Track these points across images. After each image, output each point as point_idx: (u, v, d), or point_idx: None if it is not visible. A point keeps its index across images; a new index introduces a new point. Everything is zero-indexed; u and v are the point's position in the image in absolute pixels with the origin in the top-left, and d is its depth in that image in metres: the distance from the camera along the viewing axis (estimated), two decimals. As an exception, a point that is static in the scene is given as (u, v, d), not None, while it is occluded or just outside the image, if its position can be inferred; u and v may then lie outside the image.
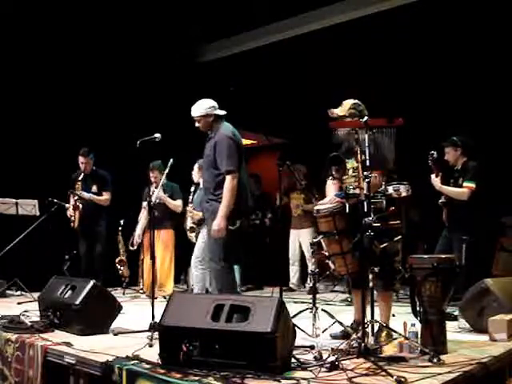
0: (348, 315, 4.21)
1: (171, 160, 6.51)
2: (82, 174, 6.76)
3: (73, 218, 6.65)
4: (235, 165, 4.28)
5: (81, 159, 6.79)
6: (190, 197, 6.37)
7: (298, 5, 7.78)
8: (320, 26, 7.92)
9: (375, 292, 3.36)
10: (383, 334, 3.54)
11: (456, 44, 6.78)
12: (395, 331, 3.45)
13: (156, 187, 6.48)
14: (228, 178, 4.24)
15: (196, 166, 6.13)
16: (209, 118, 4.42)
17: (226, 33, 8.70)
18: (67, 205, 6.66)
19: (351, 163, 3.75)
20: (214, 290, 4.40)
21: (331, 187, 3.96)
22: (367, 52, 7.39)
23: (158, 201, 5.90)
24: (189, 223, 6.31)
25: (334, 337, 3.78)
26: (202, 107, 4.43)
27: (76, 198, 6.62)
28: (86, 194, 6.69)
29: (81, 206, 6.63)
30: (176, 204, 6.62)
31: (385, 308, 3.75)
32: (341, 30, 7.65)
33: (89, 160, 6.79)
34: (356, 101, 3.90)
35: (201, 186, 5.88)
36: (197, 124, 4.51)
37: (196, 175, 6.18)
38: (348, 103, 3.88)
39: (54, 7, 7.11)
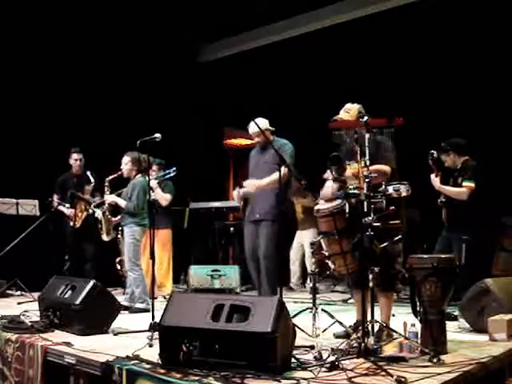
0: (348, 315, 4.21)
1: (174, 168, 6.51)
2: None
3: (74, 218, 6.57)
4: (292, 165, 4.73)
5: (75, 156, 6.82)
6: None
7: (298, 5, 7.79)
8: (320, 26, 7.93)
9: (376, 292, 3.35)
10: (384, 333, 3.54)
11: (456, 43, 6.79)
12: (395, 331, 3.45)
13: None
14: (284, 169, 4.44)
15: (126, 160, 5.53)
16: (267, 132, 4.94)
17: (226, 33, 8.71)
18: (67, 205, 6.64)
19: (353, 168, 3.65)
20: (266, 287, 4.84)
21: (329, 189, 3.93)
22: (367, 52, 7.39)
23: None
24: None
25: (337, 336, 3.78)
26: (263, 123, 4.91)
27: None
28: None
29: (90, 211, 6.38)
30: (164, 196, 6.45)
31: (385, 308, 3.75)
32: (341, 30, 7.66)
33: (82, 157, 6.85)
34: (360, 105, 3.92)
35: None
36: (256, 139, 5.02)
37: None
38: (355, 108, 3.89)
39: (54, 7, 7.11)
